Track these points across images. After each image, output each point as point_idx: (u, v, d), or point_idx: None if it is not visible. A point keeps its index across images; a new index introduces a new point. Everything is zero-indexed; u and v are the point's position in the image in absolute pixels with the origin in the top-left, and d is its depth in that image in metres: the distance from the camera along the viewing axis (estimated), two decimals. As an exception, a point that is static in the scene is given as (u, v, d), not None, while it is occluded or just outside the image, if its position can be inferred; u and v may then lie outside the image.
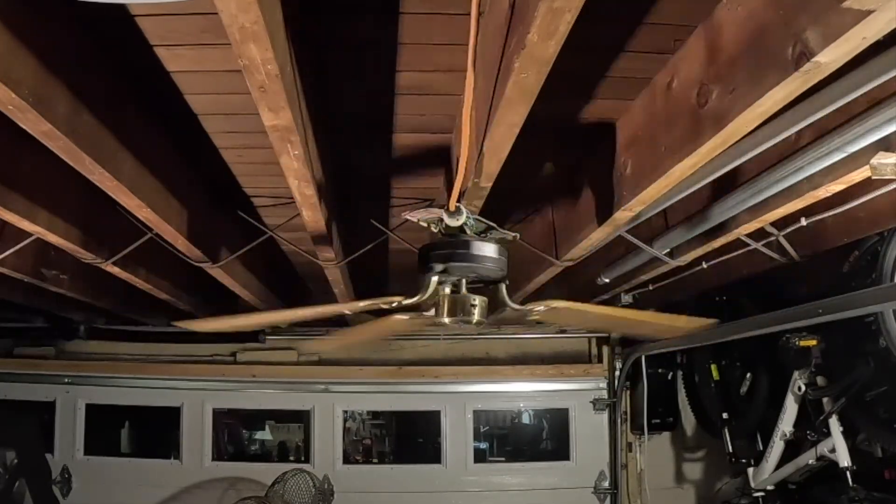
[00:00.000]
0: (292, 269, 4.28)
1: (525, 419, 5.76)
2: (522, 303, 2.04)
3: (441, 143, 2.34)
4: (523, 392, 5.44)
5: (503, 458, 5.55)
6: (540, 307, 2.06)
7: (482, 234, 1.95)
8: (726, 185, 2.25)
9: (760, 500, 4.07)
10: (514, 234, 2.01)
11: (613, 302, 4.38)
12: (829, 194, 2.04)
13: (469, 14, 1.34)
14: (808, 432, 3.59)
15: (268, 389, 5.28)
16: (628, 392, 5.28)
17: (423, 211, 1.98)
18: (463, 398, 5.31)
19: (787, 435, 3.79)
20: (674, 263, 2.88)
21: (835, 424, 3.37)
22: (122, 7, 1.55)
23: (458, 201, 1.88)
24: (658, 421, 5.11)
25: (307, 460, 5.19)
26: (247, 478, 5.01)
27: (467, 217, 1.91)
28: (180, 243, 2.63)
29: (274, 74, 1.35)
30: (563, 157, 2.58)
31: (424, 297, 1.94)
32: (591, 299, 4.14)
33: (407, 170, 2.64)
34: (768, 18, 1.35)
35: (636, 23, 1.70)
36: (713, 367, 4.53)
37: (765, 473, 3.98)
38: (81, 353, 5.21)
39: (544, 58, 1.27)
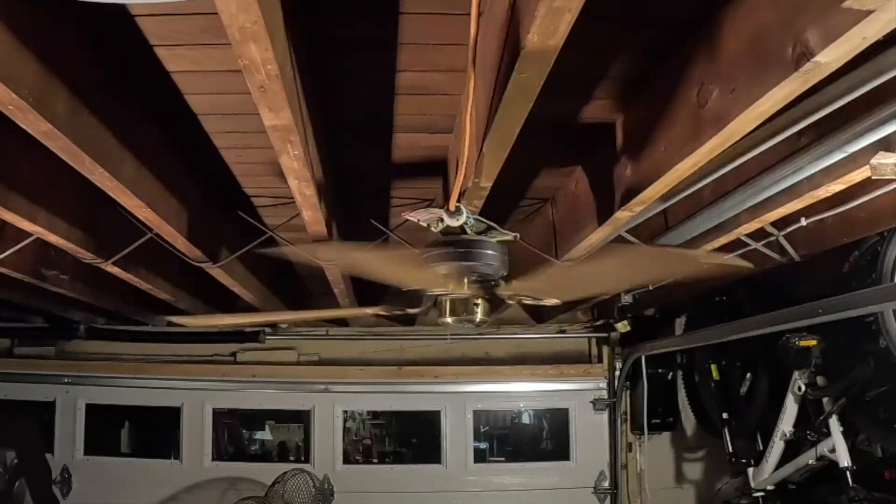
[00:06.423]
0: (292, 269, 4.28)
1: (525, 419, 5.76)
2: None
3: (441, 143, 2.34)
4: (523, 392, 5.43)
5: (503, 458, 5.55)
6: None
7: (482, 234, 1.95)
8: (726, 185, 2.25)
9: (760, 500, 4.07)
10: (514, 234, 2.02)
11: (613, 302, 4.38)
12: (829, 194, 2.04)
13: (469, 14, 1.34)
14: (808, 432, 3.58)
15: (268, 389, 5.27)
16: (628, 392, 5.28)
17: (423, 211, 1.99)
18: (463, 398, 5.31)
19: (787, 435, 3.79)
20: (674, 263, 2.88)
21: (835, 424, 3.38)
22: (122, 7, 1.55)
23: (458, 201, 1.88)
24: (658, 421, 5.11)
25: (307, 460, 5.18)
26: (247, 478, 5.01)
27: (467, 217, 1.91)
28: (180, 243, 2.63)
29: (274, 74, 1.35)
30: (563, 157, 2.58)
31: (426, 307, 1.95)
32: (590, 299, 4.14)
33: (407, 170, 2.64)
34: (768, 18, 1.35)
35: (636, 22, 1.70)
36: (713, 367, 4.53)
37: (765, 473, 3.98)
38: (81, 353, 5.20)
39: (544, 58, 1.27)
